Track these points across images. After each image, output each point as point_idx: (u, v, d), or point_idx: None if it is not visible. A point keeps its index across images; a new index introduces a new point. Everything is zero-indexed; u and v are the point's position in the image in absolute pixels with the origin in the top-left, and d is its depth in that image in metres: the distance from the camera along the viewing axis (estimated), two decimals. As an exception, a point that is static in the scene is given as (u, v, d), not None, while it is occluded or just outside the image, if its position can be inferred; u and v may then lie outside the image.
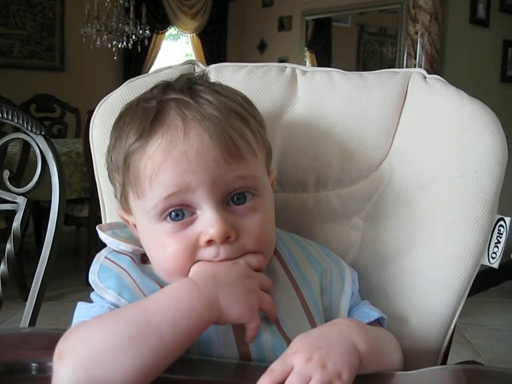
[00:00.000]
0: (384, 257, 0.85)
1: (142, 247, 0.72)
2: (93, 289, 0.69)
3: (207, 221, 0.64)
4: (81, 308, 0.68)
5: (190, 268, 0.65)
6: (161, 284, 0.68)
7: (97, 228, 0.76)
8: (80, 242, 4.49)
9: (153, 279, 0.69)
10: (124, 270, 0.69)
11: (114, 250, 0.72)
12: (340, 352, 0.57)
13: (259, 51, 6.57)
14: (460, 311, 0.80)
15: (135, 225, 0.73)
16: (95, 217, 3.19)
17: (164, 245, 0.66)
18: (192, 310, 0.58)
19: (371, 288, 0.85)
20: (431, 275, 0.80)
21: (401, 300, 0.83)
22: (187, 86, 0.70)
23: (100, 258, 0.71)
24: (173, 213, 0.65)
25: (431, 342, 0.81)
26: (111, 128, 0.78)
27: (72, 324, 0.66)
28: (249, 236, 0.66)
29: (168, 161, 0.63)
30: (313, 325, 0.70)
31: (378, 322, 0.76)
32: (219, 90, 0.70)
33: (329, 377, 0.54)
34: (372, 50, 6.28)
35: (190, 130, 0.64)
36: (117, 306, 0.66)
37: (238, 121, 0.67)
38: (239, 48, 6.74)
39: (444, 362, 0.83)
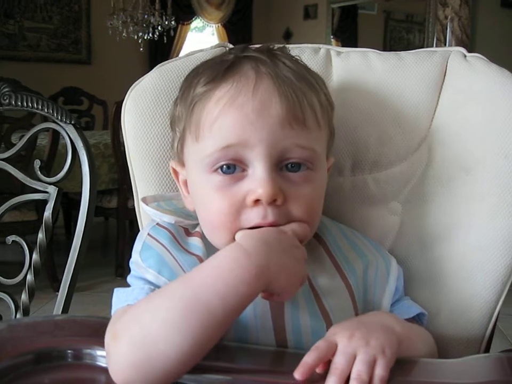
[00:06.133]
0: (424, 242, 0.82)
1: (185, 219, 0.71)
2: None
3: (257, 180, 0.63)
4: (120, 293, 0.67)
5: (233, 227, 0.64)
6: (203, 259, 0.67)
7: (141, 200, 0.77)
8: (109, 234, 4.54)
9: (194, 253, 0.68)
10: (164, 246, 0.68)
11: (157, 224, 0.72)
12: (380, 329, 0.59)
13: (284, 40, 6.53)
14: (504, 297, 0.78)
15: (184, 182, 0.74)
16: (124, 208, 3.22)
17: (210, 199, 0.66)
18: (242, 281, 0.55)
19: (410, 274, 0.82)
20: (474, 260, 0.78)
21: (442, 285, 0.80)
22: (266, 49, 0.71)
23: (142, 236, 0.71)
24: (224, 166, 0.65)
25: (474, 329, 0.78)
26: (143, 112, 0.80)
27: (113, 309, 0.65)
28: (296, 204, 0.65)
29: (232, 107, 0.64)
30: (356, 309, 0.70)
31: (418, 318, 0.75)
32: (298, 60, 0.72)
33: (373, 353, 0.54)
34: (398, 38, 6.22)
35: (261, 84, 0.65)
36: (156, 285, 0.65)
37: (309, 89, 0.68)
38: (264, 37, 6.70)
39: (487, 350, 0.80)
